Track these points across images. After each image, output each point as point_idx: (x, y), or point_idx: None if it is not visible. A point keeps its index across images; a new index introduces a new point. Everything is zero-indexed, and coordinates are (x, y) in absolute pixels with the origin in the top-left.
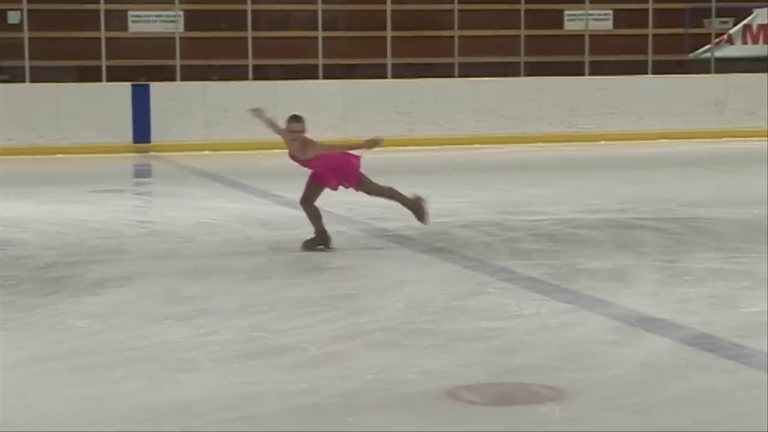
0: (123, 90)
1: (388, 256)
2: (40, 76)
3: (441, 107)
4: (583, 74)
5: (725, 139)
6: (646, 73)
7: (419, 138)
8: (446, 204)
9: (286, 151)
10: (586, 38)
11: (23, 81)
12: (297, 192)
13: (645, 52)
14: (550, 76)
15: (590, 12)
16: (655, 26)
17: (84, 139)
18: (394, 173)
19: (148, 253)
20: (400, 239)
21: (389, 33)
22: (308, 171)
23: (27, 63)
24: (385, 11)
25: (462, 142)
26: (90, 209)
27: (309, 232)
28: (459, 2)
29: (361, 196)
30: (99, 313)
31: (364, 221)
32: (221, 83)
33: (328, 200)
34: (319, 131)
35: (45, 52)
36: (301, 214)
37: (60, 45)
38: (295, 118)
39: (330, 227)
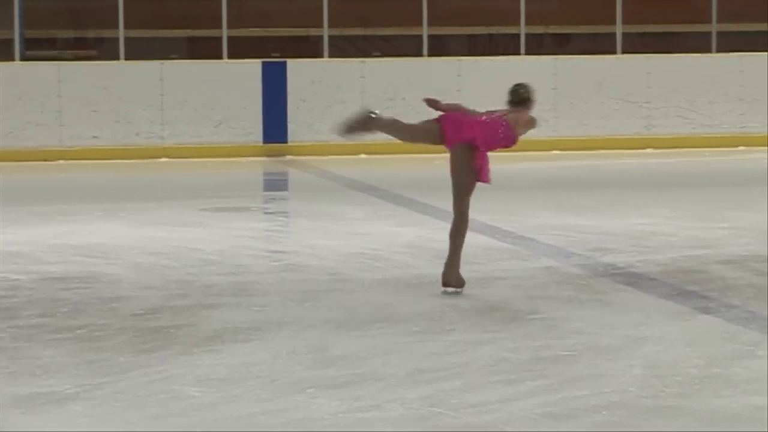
0: (250, 70)
1: (618, 302)
2: (138, 51)
3: (692, 94)
4: None
5: None
6: None
7: (660, 137)
8: (699, 231)
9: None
10: None
11: (116, 58)
12: (490, 212)
13: None
14: None
15: None
16: None
17: (197, 138)
18: (621, 186)
19: (284, 296)
20: (634, 279)
21: None
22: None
23: (121, 34)
24: None
25: (721, 143)
26: (204, 234)
27: (504, 268)
28: None
29: (580, 220)
30: (218, 378)
31: (583, 253)
32: (384, 60)
33: (528, 225)
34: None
35: (145, 19)
36: (496, 243)
37: (166, 9)
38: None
39: (535, 262)
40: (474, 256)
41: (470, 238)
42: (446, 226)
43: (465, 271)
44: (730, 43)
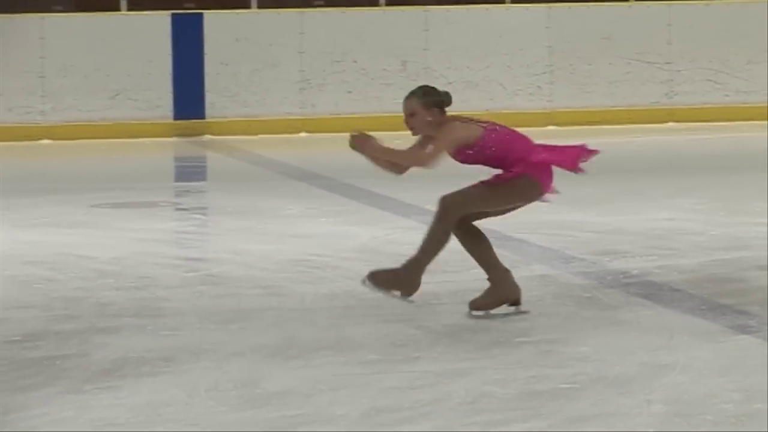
0: (156, 25)
1: (631, 320)
2: (12, 1)
3: (724, 52)
4: None
5: None
6: None
7: (684, 108)
8: (734, 228)
9: None
10: None
11: None
12: None
13: None
14: None
15: None
16: None
17: (88, 113)
18: (635, 171)
19: (202, 316)
20: (652, 290)
21: None
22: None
23: None
24: None
25: (761, 114)
26: (98, 237)
27: (486, 278)
28: None
29: (583, 215)
30: (117, 422)
31: (586, 257)
32: (329, 12)
33: (516, 221)
34: (505, 97)
35: None
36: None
37: None
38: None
39: (525, 269)
40: (446, 262)
41: None
42: (410, 224)
43: (438, 283)
44: None
